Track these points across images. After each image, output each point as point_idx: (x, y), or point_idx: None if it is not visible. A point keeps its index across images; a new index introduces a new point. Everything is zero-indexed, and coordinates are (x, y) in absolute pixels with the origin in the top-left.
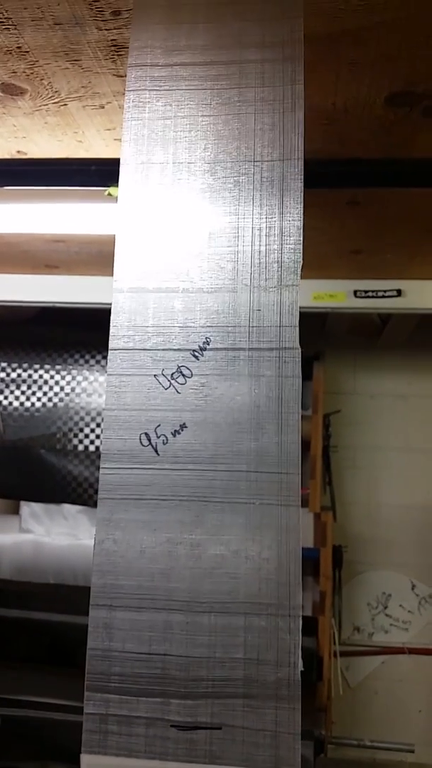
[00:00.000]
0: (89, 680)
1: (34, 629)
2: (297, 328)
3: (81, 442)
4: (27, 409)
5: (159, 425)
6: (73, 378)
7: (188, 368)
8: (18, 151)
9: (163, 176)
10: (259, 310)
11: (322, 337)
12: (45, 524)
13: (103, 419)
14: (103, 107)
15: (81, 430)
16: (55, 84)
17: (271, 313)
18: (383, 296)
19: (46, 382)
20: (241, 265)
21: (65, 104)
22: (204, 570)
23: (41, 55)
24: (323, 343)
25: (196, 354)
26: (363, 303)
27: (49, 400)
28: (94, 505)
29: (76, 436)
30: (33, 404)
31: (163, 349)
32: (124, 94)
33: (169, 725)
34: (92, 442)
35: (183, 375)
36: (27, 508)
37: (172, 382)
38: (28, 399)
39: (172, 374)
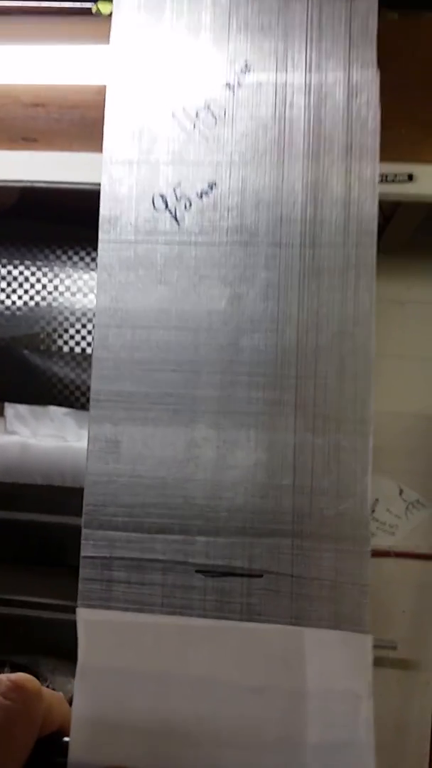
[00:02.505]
0: (87, 513)
1: (22, 530)
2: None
3: (66, 343)
4: (8, 308)
5: (179, 184)
6: (56, 276)
7: (220, 104)
8: None
9: None
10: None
11: None
12: (31, 426)
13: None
14: None
15: (66, 330)
16: None
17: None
18: (393, 181)
19: (27, 279)
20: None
21: None
22: (244, 373)
23: None
24: None
25: (231, 84)
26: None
27: (31, 298)
28: (81, 407)
29: (60, 336)
30: (14, 302)
31: (184, 83)
32: None
33: (193, 570)
34: (78, 343)
35: (213, 115)
36: (12, 409)
37: (197, 123)
38: (8, 297)
39: (197, 113)
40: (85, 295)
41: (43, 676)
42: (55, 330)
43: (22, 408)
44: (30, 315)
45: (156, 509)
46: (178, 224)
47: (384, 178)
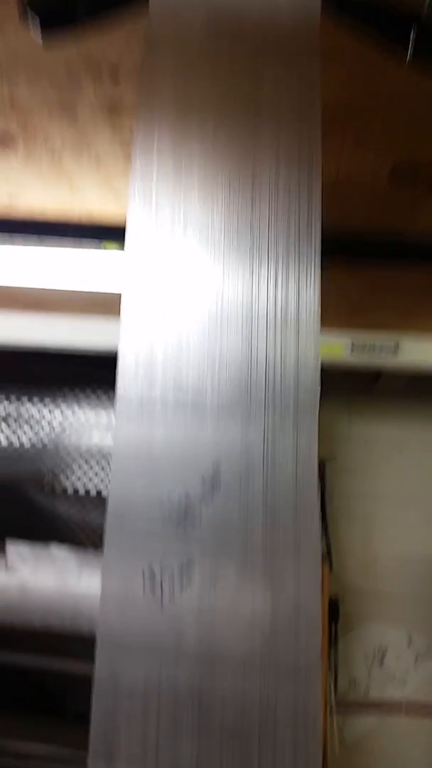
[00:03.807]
0: None
1: (19, 674)
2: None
3: (70, 481)
4: (14, 447)
5: (164, 567)
6: (62, 414)
7: (197, 501)
8: (8, 195)
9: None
10: (273, 434)
11: None
12: (32, 565)
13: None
14: (98, 158)
15: (71, 469)
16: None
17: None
18: (380, 351)
19: (32, 417)
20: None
21: (60, 155)
22: (215, 735)
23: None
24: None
25: (205, 484)
26: (360, 358)
27: (38, 437)
28: (83, 547)
29: (65, 475)
30: (21, 441)
31: (170, 479)
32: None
33: None
34: (82, 483)
35: (191, 510)
36: (13, 548)
37: (179, 517)
38: (14, 434)
39: (179, 508)
40: (90, 435)
41: None
42: (60, 469)
43: (24, 546)
44: (36, 454)
45: None
46: (162, 603)
47: (372, 348)
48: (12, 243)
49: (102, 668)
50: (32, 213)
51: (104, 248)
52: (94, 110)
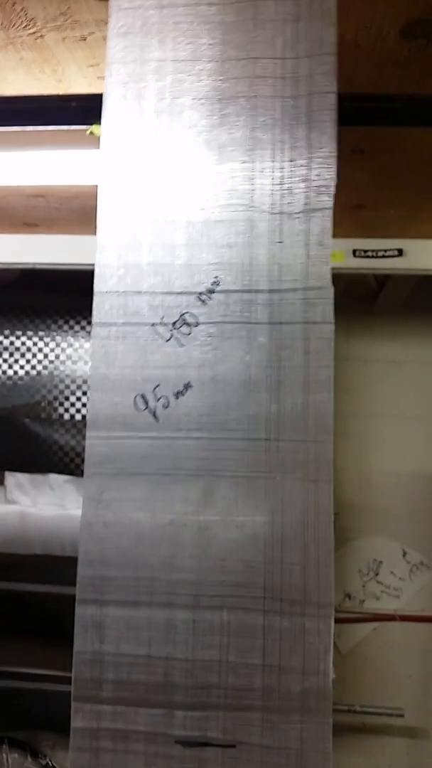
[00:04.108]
0: (77, 689)
1: (21, 600)
2: (329, 263)
3: (66, 410)
4: (10, 378)
5: (158, 385)
6: (57, 345)
7: (194, 315)
8: None
9: (160, 80)
10: (280, 242)
11: None
12: (31, 495)
13: (89, 379)
14: (84, 39)
15: (66, 398)
16: (29, 11)
17: (295, 246)
18: (383, 256)
19: (29, 349)
20: (258, 186)
21: (41, 35)
22: (214, 558)
23: None
24: None
25: (203, 298)
26: (362, 263)
27: (33, 367)
28: (81, 474)
29: (61, 404)
30: (16, 372)
31: (163, 293)
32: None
33: (173, 741)
34: (78, 410)
35: (187, 324)
36: (12, 478)
37: (174, 332)
38: (10, 367)
39: (174, 323)
40: (85, 363)
41: (42, 752)
42: (55, 398)
43: (22, 477)
44: (31, 384)
45: (139, 685)
46: (157, 420)
47: (375, 254)
48: None
49: (90, 495)
50: (14, 101)
51: (92, 132)
52: None
